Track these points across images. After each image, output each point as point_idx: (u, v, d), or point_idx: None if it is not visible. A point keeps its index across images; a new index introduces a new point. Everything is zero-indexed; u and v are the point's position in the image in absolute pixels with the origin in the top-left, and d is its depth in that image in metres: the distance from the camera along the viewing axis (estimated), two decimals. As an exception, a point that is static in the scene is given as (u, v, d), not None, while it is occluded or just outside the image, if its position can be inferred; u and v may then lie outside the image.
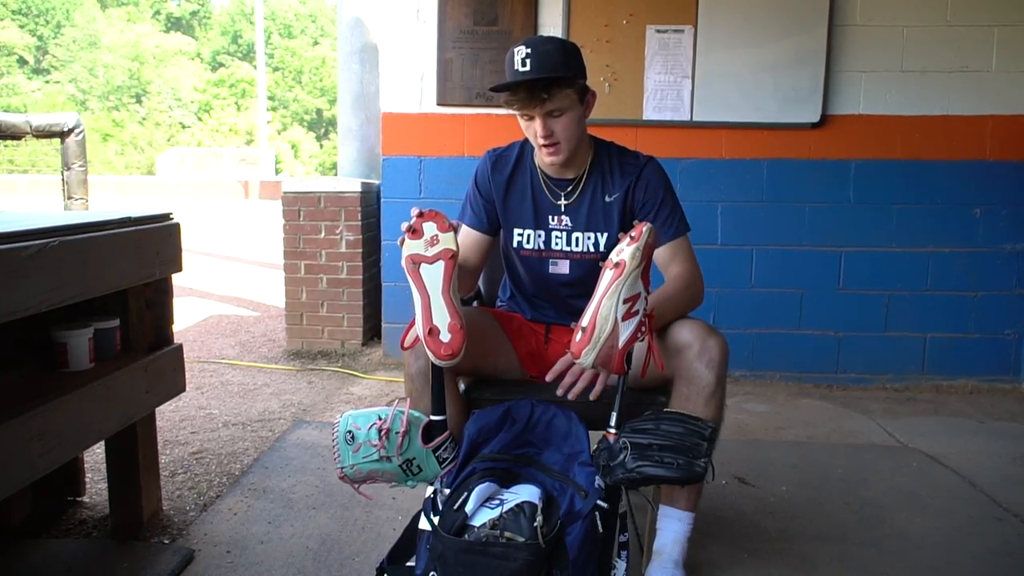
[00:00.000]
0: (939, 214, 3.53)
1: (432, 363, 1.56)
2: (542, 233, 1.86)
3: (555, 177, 1.84)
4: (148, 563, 1.81)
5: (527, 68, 1.64)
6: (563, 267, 1.86)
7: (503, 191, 1.87)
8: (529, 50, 1.64)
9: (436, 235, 1.57)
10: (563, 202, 1.84)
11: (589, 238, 1.83)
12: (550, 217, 1.85)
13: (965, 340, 3.58)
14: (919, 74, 3.46)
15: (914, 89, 3.46)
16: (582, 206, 1.83)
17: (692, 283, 1.78)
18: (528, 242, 1.86)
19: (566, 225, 1.84)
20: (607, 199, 1.83)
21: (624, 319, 1.52)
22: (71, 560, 1.84)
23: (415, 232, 1.57)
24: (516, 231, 1.87)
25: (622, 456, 1.47)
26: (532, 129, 1.73)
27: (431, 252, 1.56)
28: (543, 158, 1.78)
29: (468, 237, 1.88)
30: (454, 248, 1.56)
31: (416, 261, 1.56)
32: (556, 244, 1.85)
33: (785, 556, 1.96)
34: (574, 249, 1.84)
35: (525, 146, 1.89)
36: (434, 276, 1.54)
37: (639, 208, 1.82)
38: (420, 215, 1.57)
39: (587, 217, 1.83)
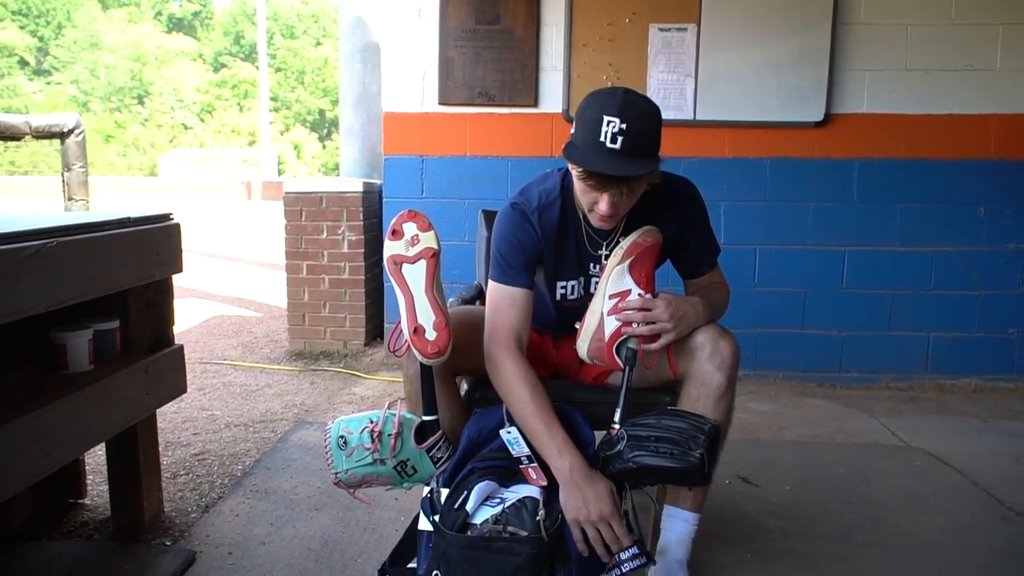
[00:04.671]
0: (943, 213, 3.51)
1: (421, 363, 1.56)
2: (582, 279, 1.75)
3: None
4: (150, 565, 1.81)
5: (616, 146, 1.45)
6: None
7: (553, 248, 1.70)
8: (624, 125, 1.45)
9: (416, 235, 1.57)
10: (603, 252, 1.71)
11: None
12: (591, 264, 1.74)
13: (969, 339, 3.57)
14: (923, 73, 3.44)
15: (918, 88, 3.45)
16: None
17: (727, 294, 1.79)
18: (571, 293, 1.76)
19: None
20: None
21: (610, 313, 1.59)
22: (72, 562, 1.84)
23: (395, 233, 1.58)
24: (559, 284, 1.75)
25: (619, 446, 1.48)
26: (592, 196, 1.55)
27: (412, 252, 1.56)
28: (594, 221, 1.62)
29: (523, 299, 1.66)
30: (435, 247, 1.56)
31: (397, 261, 1.57)
32: (594, 289, 1.72)
33: (789, 556, 1.95)
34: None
35: (565, 192, 1.69)
36: (416, 275, 1.55)
37: (680, 239, 1.73)
38: (401, 216, 1.57)
39: None
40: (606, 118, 1.46)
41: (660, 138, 1.52)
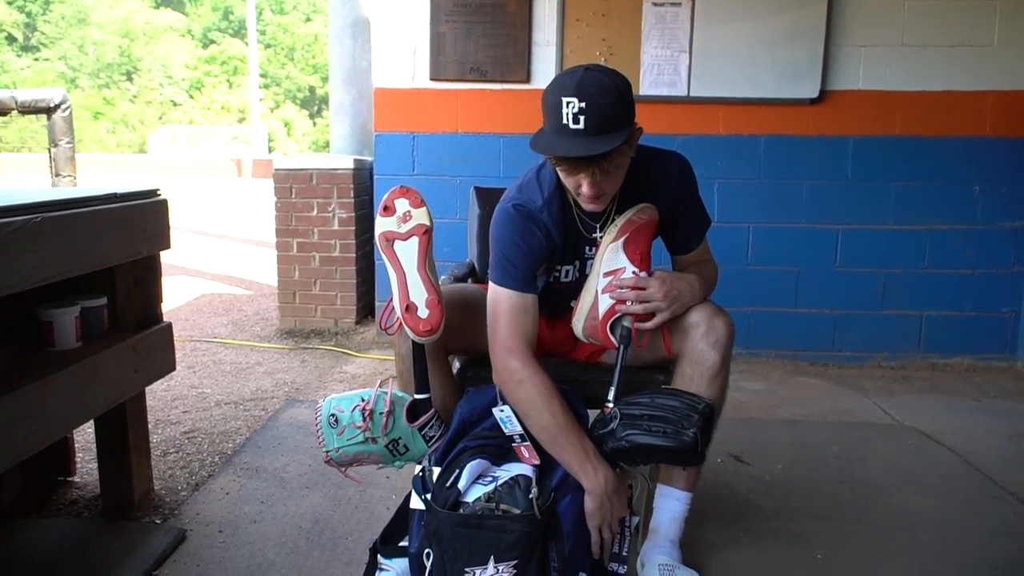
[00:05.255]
0: (938, 191, 3.50)
1: (413, 341, 1.54)
2: (577, 263, 1.72)
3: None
4: (139, 543, 1.80)
5: (580, 126, 1.42)
6: None
7: (562, 241, 1.66)
8: (583, 104, 1.41)
9: (409, 211, 1.56)
10: (597, 234, 1.68)
11: None
12: (586, 247, 1.70)
13: (962, 318, 3.57)
14: (920, 49, 3.41)
15: (914, 64, 3.42)
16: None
17: (717, 271, 1.77)
18: (566, 276, 1.73)
19: None
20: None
21: (604, 291, 1.58)
22: (62, 540, 1.83)
23: (387, 209, 1.56)
24: (554, 267, 1.72)
25: (612, 424, 1.48)
26: (572, 181, 1.52)
27: (404, 228, 1.55)
28: (583, 204, 1.59)
29: (533, 305, 1.62)
30: (427, 223, 1.55)
31: (389, 238, 1.55)
32: (590, 270, 1.70)
33: (781, 534, 1.95)
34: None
35: (559, 182, 1.62)
36: (408, 252, 1.53)
37: (672, 214, 1.69)
38: (393, 192, 1.56)
39: None
40: (565, 99, 1.43)
41: (629, 110, 1.49)
